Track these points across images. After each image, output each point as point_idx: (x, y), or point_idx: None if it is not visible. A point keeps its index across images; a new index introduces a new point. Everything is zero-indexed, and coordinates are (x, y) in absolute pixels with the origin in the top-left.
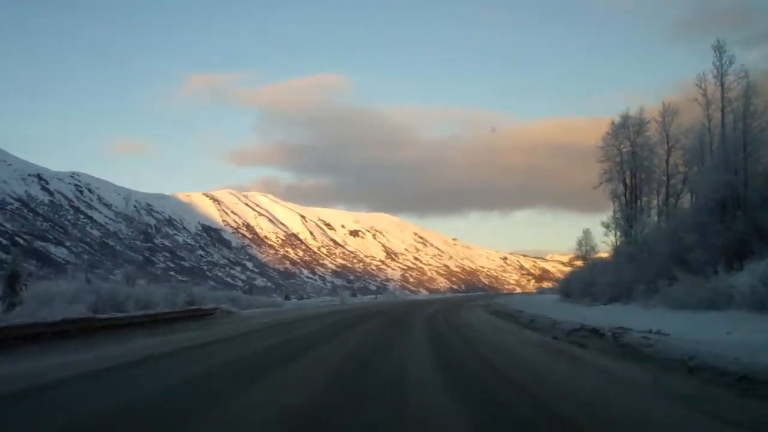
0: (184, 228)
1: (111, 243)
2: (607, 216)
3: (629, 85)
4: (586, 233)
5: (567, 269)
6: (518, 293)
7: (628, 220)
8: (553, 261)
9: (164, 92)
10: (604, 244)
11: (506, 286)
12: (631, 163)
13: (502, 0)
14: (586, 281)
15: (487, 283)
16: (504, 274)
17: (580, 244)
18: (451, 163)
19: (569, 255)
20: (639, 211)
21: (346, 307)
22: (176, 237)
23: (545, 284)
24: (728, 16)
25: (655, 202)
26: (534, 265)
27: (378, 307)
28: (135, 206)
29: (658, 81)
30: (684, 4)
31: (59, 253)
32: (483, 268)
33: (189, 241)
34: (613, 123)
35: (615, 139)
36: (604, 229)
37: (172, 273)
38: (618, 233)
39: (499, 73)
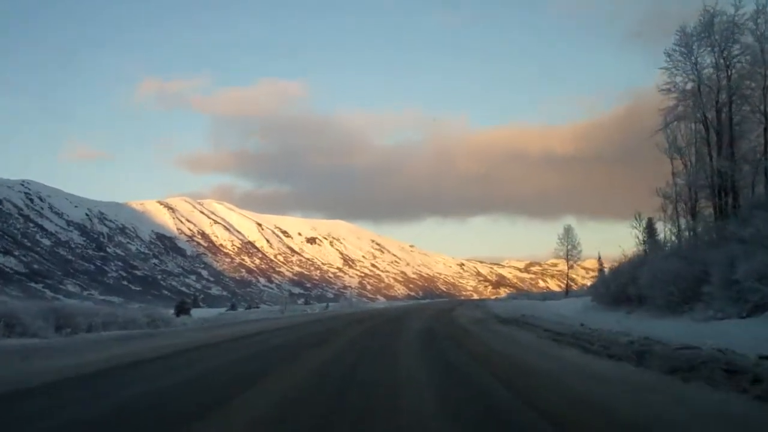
0: (138, 236)
1: (62, 252)
2: (665, 180)
3: (584, 93)
4: (568, 230)
5: (523, 275)
6: (497, 298)
7: (721, 176)
8: (509, 267)
9: (117, 99)
10: (663, 224)
11: (464, 293)
12: (717, 90)
13: (458, 7)
14: (676, 278)
15: (444, 289)
16: (461, 281)
17: (561, 242)
18: (407, 169)
19: (525, 261)
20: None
21: (276, 324)
22: (129, 246)
23: (502, 290)
24: (678, 21)
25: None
26: (491, 271)
27: (326, 324)
28: (87, 214)
29: (609, 88)
30: (635, 12)
31: (7, 262)
32: (440, 274)
33: (143, 249)
34: (682, 31)
35: (688, 54)
36: (661, 200)
37: (125, 282)
38: (683, 206)
39: (456, 80)
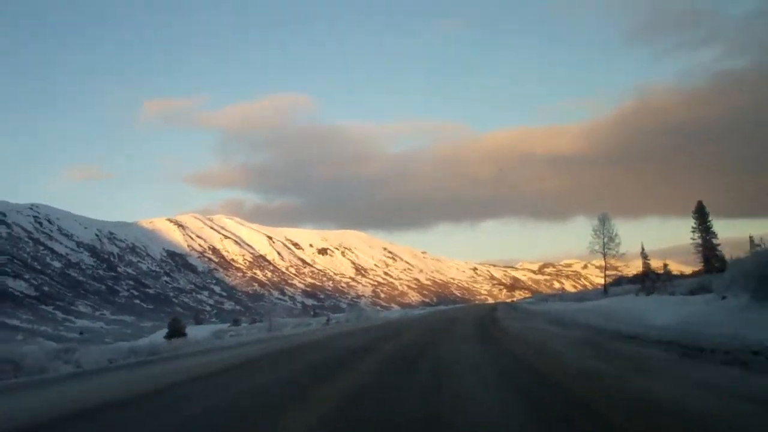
0: (148, 255)
1: (73, 274)
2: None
3: (587, 93)
4: (604, 219)
5: (538, 277)
6: (514, 301)
7: None
8: (523, 269)
9: (123, 118)
10: None
11: (478, 297)
12: None
13: (461, 13)
14: None
15: (458, 294)
16: (475, 285)
17: (596, 234)
18: (417, 176)
19: (539, 263)
20: None
21: (222, 362)
22: (140, 264)
23: (517, 293)
24: (677, 20)
25: None
26: (505, 275)
27: (284, 367)
28: (97, 235)
29: (614, 88)
30: (636, 12)
31: (18, 286)
32: (454, 279)
33: (154, 267)
34: None
35: None
36: None
37: (137, 301)
38: None
39: (462, 85)
